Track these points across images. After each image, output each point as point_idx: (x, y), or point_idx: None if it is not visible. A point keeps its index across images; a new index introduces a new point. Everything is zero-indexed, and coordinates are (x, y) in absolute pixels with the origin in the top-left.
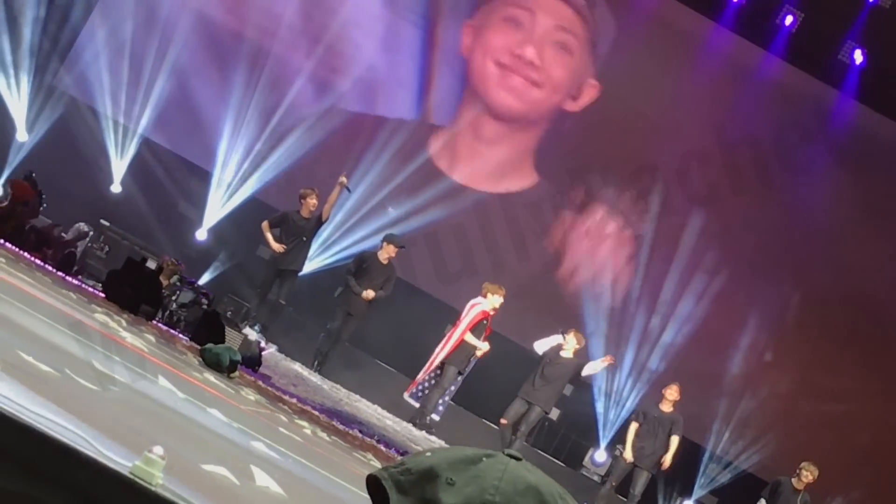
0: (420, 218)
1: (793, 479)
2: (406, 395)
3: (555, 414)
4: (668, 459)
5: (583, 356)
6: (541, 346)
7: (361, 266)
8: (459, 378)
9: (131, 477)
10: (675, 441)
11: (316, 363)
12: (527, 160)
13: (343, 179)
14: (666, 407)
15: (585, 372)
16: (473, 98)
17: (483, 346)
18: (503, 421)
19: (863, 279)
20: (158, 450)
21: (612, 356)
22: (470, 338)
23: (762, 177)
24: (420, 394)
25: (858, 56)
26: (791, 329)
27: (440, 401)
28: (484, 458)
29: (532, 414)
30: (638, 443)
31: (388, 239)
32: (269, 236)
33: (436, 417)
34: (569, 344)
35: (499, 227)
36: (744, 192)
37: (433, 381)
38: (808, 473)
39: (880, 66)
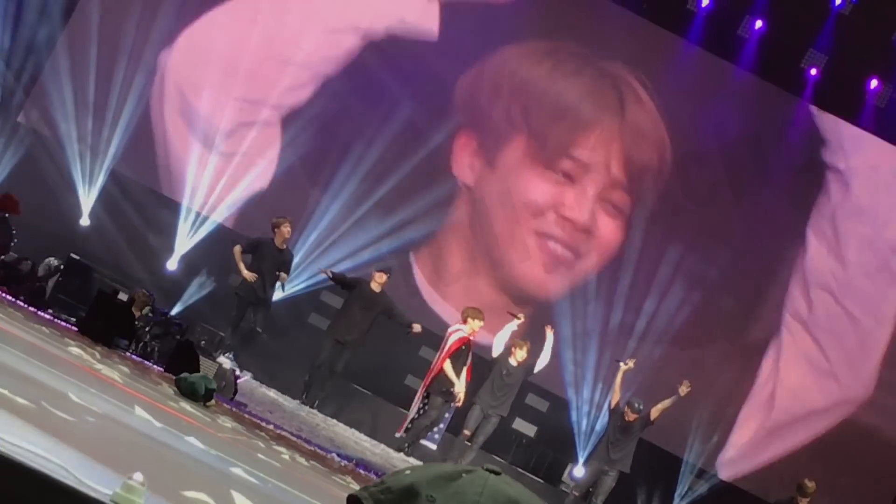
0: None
1: (794, 499)
2: (398, 435)
3: (532, 431)
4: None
5: (531, 360)
6: (500, 339)
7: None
8: (448, 406)
9: None
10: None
11: (304, 397)
12: None
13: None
14: (630, 417)
15: (540, 366)
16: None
17: (458, 387)
18: (466, 432)
19: (840, 288)
20: (138, 476)
21: (549, 325)
22: (448, 369)
23: (724, 185)
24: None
25: (814, 70)
26: (764, 338)
27: (434, 430)
28: (464, 474)
29: (490, 424)
30: (612, 450)
31: (377, 268)
32: (241, 265)
33: (432, 446)
34: (519, 354)
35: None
36: (704, 202)
37: (422, 412)
38: (804, 498)
39: (841, 71)
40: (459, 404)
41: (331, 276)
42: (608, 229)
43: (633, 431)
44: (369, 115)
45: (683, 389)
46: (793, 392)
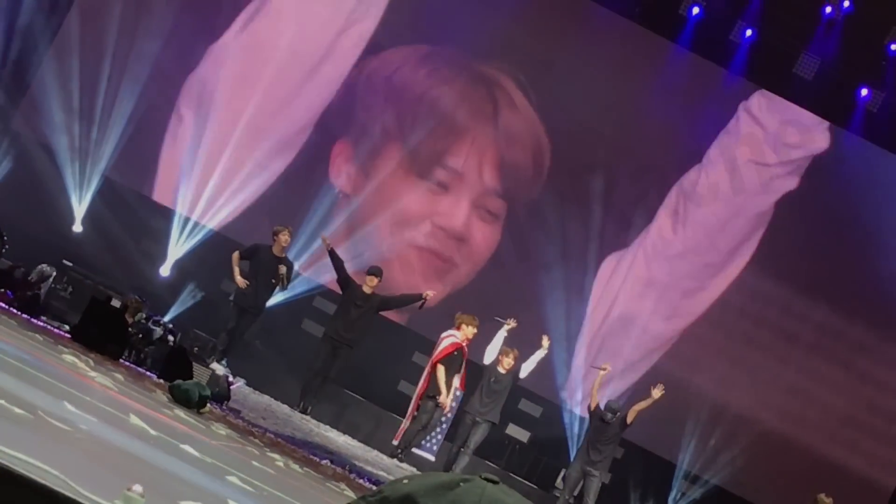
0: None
1: None
2: (396, 443)
3: (525, 436)
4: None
5: (517, 366)
6: (493, 347)
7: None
8: (441, 411)
9: None
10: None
11: (301, 405)
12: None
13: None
14: (608, 418)
15: (525, 372)
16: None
17: (443, 398)
18: (457, 443)
19: (825, 292)
20: (138, 488)
21: (546, 336)
22: (441, 374)
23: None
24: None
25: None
26: (758, 342)
27: (430, 437)
28: (461, 483)
29: (480, 430)
30: (592, 451)
31: (367, 271)
32: (237, 270)
33: (430, 458)
34: (506, 361)
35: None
36: (702, 203)
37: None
38: None
39: (835, 75)
40: (445, 410)
41: (328, 246)
42: (483, 235)
43: (611, 433)
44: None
45: (657, 392)
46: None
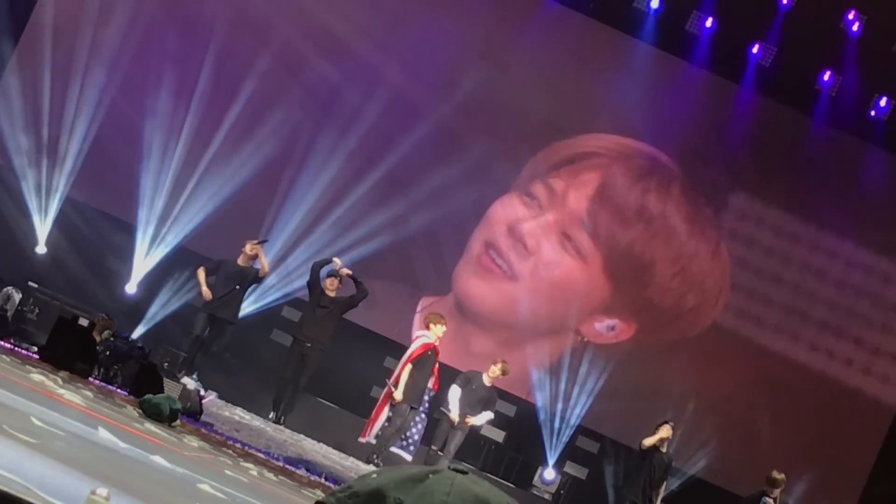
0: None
1: (764, 492)
2: (363, 440)
3: (500, 436)
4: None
5: (501, 383)
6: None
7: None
8: (416, 412)
9: None
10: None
11: (273, 414)
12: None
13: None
14: (664, 447)
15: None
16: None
17: (398, 395)
18: (434, 447)
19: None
20: (103, 491)
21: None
22: (405, 375)
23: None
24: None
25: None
26: (728, 332)
27: (406, 440)
28: (430, 475)
29: (458, 435)
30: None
31: (327, 274)
32: (202, 280)
33: (407, 457)
34: (493, 372)
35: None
36: (680, 203)
37: (388, 421)
38: (775, 489)
39: (790, 62)
40: (398, 401)
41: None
42: (556, 262)
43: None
44: (326, 127)
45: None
46: None
